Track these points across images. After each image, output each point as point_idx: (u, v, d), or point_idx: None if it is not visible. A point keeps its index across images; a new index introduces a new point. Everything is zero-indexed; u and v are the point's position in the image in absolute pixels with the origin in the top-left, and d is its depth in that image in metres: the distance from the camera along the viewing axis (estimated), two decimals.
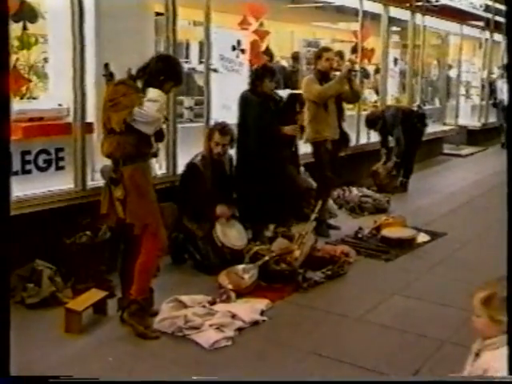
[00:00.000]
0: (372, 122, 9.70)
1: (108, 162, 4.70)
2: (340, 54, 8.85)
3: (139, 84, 4.48)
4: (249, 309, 4.82)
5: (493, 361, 2.52)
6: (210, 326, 4.51)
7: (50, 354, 4.18)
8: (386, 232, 6.96)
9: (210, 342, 4.33)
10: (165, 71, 4.49)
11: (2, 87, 2.43)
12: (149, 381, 2.37)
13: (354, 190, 8.64)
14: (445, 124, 13.84)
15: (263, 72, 6.54)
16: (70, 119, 5.58)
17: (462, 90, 15.55)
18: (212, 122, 6.81)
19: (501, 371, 2.46)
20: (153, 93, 4.37)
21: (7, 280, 2.20)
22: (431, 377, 3.18)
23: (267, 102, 6.48)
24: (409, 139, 9.54)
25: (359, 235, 7.04)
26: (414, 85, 12.35)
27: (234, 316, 4.66)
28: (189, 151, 6.30)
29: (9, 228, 2.26)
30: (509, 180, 2.90)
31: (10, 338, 2.15)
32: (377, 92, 11.46)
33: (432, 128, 12.10)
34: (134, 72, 4.55)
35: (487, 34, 15.32)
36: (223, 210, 5.99)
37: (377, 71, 11.51)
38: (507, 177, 2.94)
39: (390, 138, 9.66)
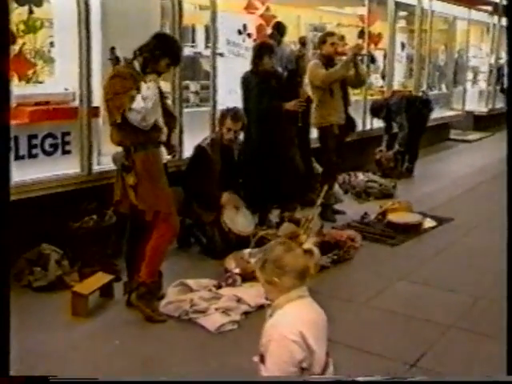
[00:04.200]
0: (376, 111, 9.72)
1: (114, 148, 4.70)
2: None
3: (136, 64, 4.46)
4: (254, 293, 4.79)
5: (267, 327, 2.64)
6: (216, 309, 4.53)
7: (57, 336, 4.21)
8: (392, 217, 6.95)
9: (216, 325, 4.35)
10: (160, 46, 4.48)
11: (2, 71, 2.39)
12: (150, 381, 2.38)
13: (360, 175, 8.63)
14: (451, 109, 13.77)
15: (262, 49, 6.50)
16: (76, 103, 5.58)
17: (470, 75, 15.47)
18: (219, 107, 6.80)
19: (274, 332, 2.56)
20: (146, 90, 4.33)
21: (7, 282, 2.18)
22: (431, 377, 3.20)
23: (268, 81, 6.44)
24: (413, 125, 9.53)
25: (365, 220, 7.05)
26: (421, 70, 12.28)
27: (239, 300, 4.67)
28: (195, 135, 6.30)
29: (8, 215, 2.23)
30: (509, 175, 2.88)
31: (10, 338, 2.15)
32: (383, 77, 11.41)
33: (439, 113, 12.06)
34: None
35: (495, 19, 15.20)
36: (228, 199, 5.98)
37: (385, 56, 11.45)
38: (507, 170, 2.91)
39: (394, 124, 9.65)
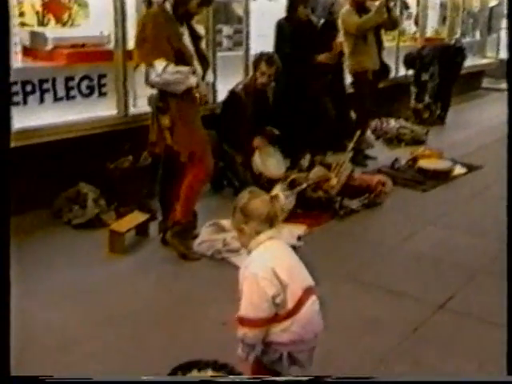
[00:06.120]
0: (410, 62, 9.66)
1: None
2: None
3: (168, 6, 4.41)
4: (286, 233, 4.84)
5: (241, 269, 2.71)
6: None
7: (96, 272, 4.36)
8: (423, 163, 6.97)
9: None
10: None
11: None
12: (148, 381, 2.47)
13: (392, 122, 8.61)
14: (485, 57, 13.55)
15: None
16: (111, 46, 5.64)
17: (504, 23, 15.15)
18: (252, 52, 6.81)
19: (246, 272, 2.63)
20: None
21: (7, 281, 2.23)
22: (432, 377, 3.25)
23: (302, 30, 6.42)
24: (447, 73, 9.44)
25: (396, 166, 7.06)
26: (455, 17, 12.08)
27: None
28: (227, 79, 6.33)
29: (9, 162, 2.23)
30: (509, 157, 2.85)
31: (10, 338, 2.23)
32: (416, 23, 11.26)
33: (472, 61, 11.89)
34: None
35: None
36: (260, 142, 6.04)
37: (418, 3, 11.27)
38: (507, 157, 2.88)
39: (423, 74, 9.57)
